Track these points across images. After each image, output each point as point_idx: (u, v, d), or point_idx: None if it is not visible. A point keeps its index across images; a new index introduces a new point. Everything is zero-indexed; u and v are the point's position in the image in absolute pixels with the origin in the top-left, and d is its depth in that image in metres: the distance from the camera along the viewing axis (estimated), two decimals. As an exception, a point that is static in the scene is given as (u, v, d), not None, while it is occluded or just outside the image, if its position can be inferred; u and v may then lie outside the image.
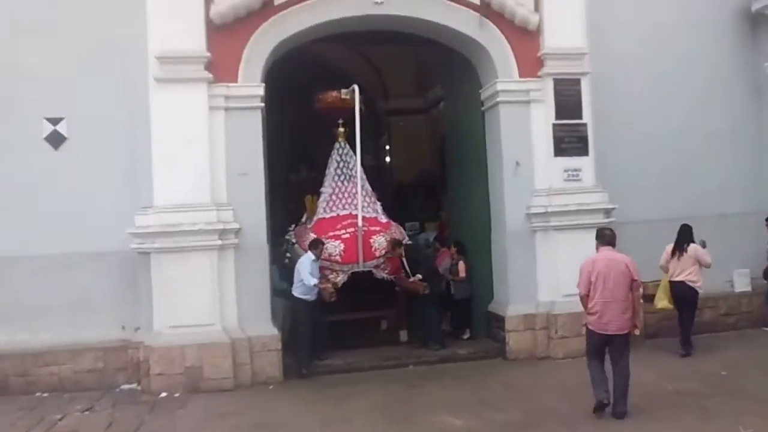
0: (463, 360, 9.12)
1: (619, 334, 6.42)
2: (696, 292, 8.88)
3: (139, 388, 8.22)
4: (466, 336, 10.02)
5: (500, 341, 9.20)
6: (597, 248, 6.68)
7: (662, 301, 9.08)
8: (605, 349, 6.54)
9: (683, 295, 8.88)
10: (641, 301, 9.46)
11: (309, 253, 8.85)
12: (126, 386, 8.33)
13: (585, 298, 6.50)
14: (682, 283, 8.85)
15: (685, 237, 8.94)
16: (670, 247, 8.99)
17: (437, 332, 9.57)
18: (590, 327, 6.52)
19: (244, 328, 8.34)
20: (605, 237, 6.67)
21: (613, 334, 6.40)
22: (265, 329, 8.45)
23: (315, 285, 8.63)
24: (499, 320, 9.21)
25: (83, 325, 8.42)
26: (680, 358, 8.74)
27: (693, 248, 8.88)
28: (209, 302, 8.20)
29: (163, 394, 7.95)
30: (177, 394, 7.95)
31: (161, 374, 8.02)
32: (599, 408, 6.48)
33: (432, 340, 9.47)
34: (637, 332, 6.75)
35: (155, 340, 8.11)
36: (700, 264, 8.84)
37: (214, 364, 8.09)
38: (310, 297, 8.75)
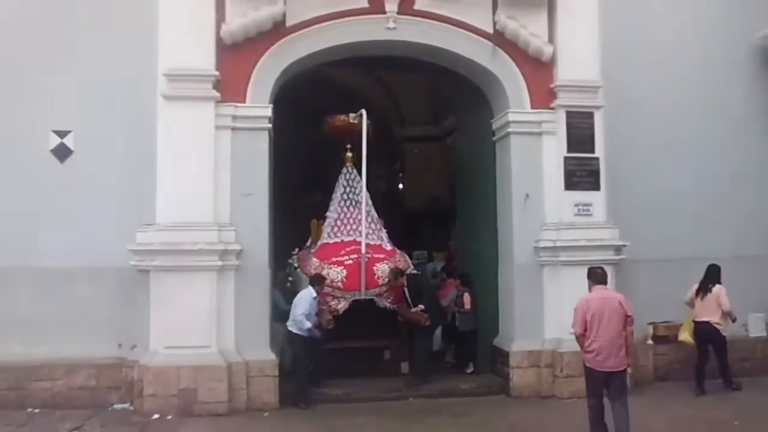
0: (465, 395, 8.88)
1: (617, 371, 6.47)
2: (721, 335, 8.74)
3: (131, 408, 8.06)
4: (469, 370, 9.78)
5: (504, 377, 8.95)
6: (589, 288, 6.72)
7: (684, 334, 9.08)
8: (603, 389, 6.55)
9: (708, 336, 8.76)
10: (651, 342, 9.45)
11: (310, 288, 8.66)
12: (119, 406, 8.18)
13: (581, 337, 6.56)
14: (707, 323, 8.72)
15: (710, 277, 8.83)
16: (695, 286, 8.89)
17: (423, 365, 9.27)
18: (588, 365, 6.56)
19: (242, 352, 8.18)
20: (597, 276, 6.74)
21: (611, 371, 6.44)
22: (263, 354, 8.27)
23: (308, 329, 8.48)
24: (504, 355, 8.97)
25: (80, 340, 8.31)
26: (732, 391, 8.76)
27: (717, 290, 8.74)
28: (207, 324, 8.06)
29: (156, 416, 7.79)
30: (169, 417, 7.79)
31: (154, 395, 7.87)
32: None
33: (416, 372, 9.20)
34: (629, 370, 6.78)
35: (150, 360, 7.97)
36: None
37: (209, 387, 7.92)
38: (304, 333, 8.55)
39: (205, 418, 7.76)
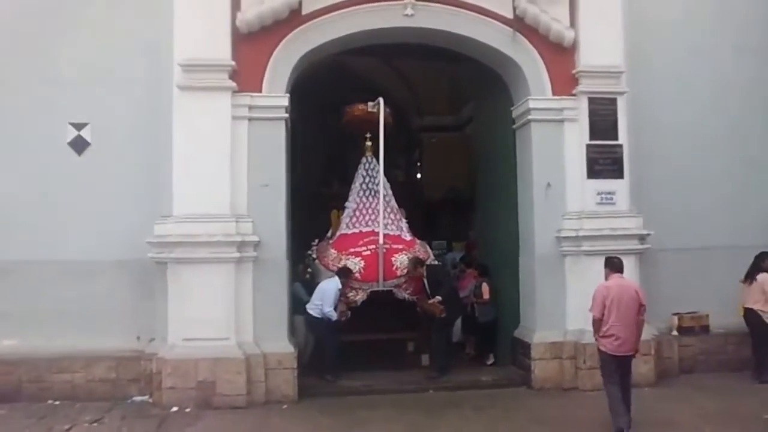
0: (486, 387, 8.77)
1: (628, 355, 6.83)
2: (764, 322, 8.83)
3: (150, 400, 8.05)
4: (489, 361, 9.68)
5: (525, 369, 8.82)
6: (607, 275, 7.01)
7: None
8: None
9: (751, 323, 8.95)
10: (676, 333, 9.28)
11: (336, 279, 8.73)
12: (138, 398, 8.17)
13: (598, 322, 6.80)
14: (752, 311, 8.89)
15: (757, 265, 8.98)
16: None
17: (441, 358, 9.14)
18: (604, 349, 6.82)
19: (260, 344, 8.13)
20: (615, 264, 7.03)
21: (624, 356, 6.78)
22: (282, 346, 8.22)
23: (334, 319, 8.70)
24: (525, 347, 8.83)
25: (99, 333, 8.31)
26: (759, 384, 8.68)
27: (762, 278, 8.88)
28: (225, 316, 8.01)
29: (174, 409, 7.77)
30: (188, 409, 7.77)
31: (173, 388, 7.84)
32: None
33: (434, 365, 9.10)
34: (637, 355, 7.12)
35: (169, 353, 7.94)
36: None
37: (227, 380, 7.89)
38: (324, 318, 8.72)
39: (223, 410, 7.72)
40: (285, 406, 7.99)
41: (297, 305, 8.96)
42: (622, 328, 6.68)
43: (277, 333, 8.25)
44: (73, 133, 8.59)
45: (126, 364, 8.27)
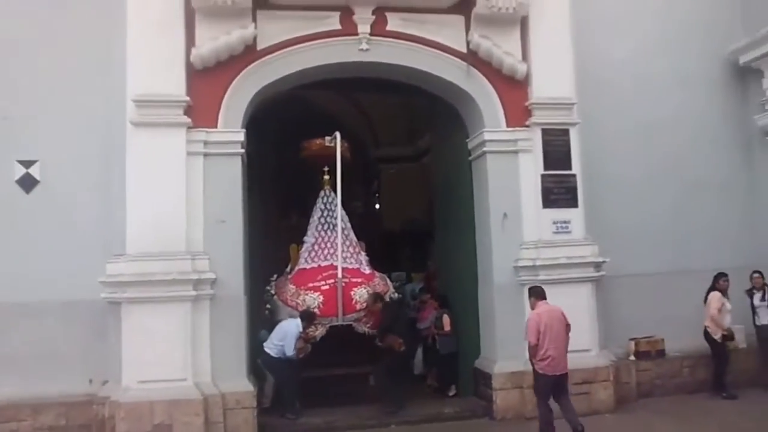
0: (448, 419, 8.71)
1: (564, 373, 7.38)
2: (713, 339, 9.27)
3: (103, 447, 7.75)
4: (451, 393, 9.63)
5: (487, 399, 8.79)
6: (533, 304, 7.56)
7: None
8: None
9: (707, 341, 9.38)
10: (633, 357, 9.45)
11: (297, 321, 8.65)
12: (89, 445, 7.86)
13: (534, 348, 7.30)
14: (706, 329, 9.32)
15: (711, 285, 9.42)
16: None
17: (390, 390, 8.94)
18: (542, 372, 7.31)
19: (218, 384, 7.92)
20: (539, 293, 7.62)
21: (560, 374, 7.33)
22: (241, 385, 8.03)
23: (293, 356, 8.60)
24: (486, 378, 8.82)
25: (48, 377, 8.01)
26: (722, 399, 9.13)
27: (711, 296, 9.36)
28: (181, 356, 7.80)
29: (129, 455, 7.49)
30: (143, 455, 7.49)
31: (127, 433, 7.56)
32: None
33: (386, 399, 8.90)
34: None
35: (123, 396, 7.66)
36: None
37: (185, 422, 7.63)
38: (283, 357, 8.60)
39: (181, 454, 7.48)
40: (244, 447, 7.79)
41: (259, 350, 8.81)
42: (556, 350, 7.24)
43: (236, 372, 8.06)
44: (21, 170, 8.35)
45: (77, 410, 7.94)
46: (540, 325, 7.27)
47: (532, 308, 7.54)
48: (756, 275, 9.65)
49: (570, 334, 7.42)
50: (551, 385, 7.33)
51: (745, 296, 9.64)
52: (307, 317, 8.65)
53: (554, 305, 7.52)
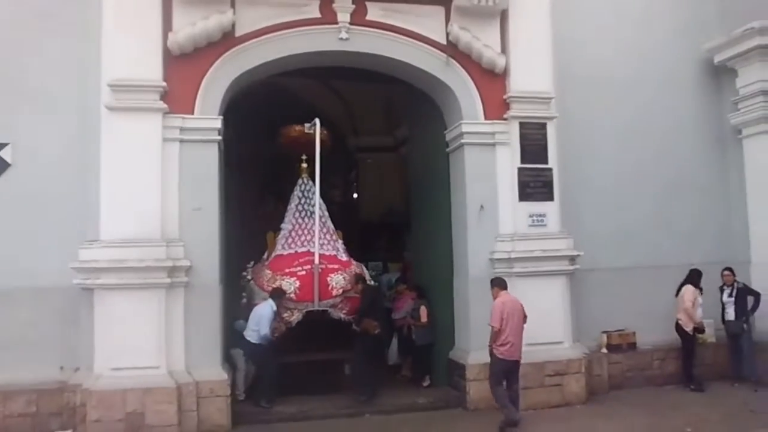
0: (422, 410, 8.77)
1: (518, 360, 7.90)
2: (684, 331, 9.46)
3: (74, 435, 7.67)
4: (426, 383, 9.67)
5: (461, 390, 8.87)
6: (496, 294, 7.98)
7: None
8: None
9: (678, 334, 9.56)
10: (605, 350, 9.59)
11: (270, 301, 8.61)
12: (59, 433, 7.77)
13: (497, 333, 7.76)
14: (677, 322, 9.52)
15: (685, 279, 9.60)
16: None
17: (364, 378, 8.99)
18: (501, 356, 7.79)
19: (192, 372, 7.89)
20: (502, 283, 8.09)
21: (516, 360, 7.86)
22: (215, 373, 8.00)
23: (268, 336, 8.57)
24: (460, 368, 8.89)
25: (18, 364, 7.88)
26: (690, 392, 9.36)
27: (682, 290, 9.52)
28: (155, 344, 7.75)
29: (99, 444, 7.42)
30: (114, 444, 7.43)
31: (99, 420, 7.49)
32: (514, 425, 7.74)
33: (360, 388, 8.94)
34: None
35: (95, 383, 7.60)
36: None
37: (157, 411, 7.60)
38: (264, 342, 8.58)
39: (153, 443, 7.43)
40: (218, 436, 7.77)
41: (237, 339, 8.78)
42: (514, 337, 7.78)
43: (210, 360, 8.03)
44: (-9, 153, 8.20)
45: (47, 397, 7.84)
46: (504, 312, 7.74)
47: (494, 297, 7.94)
48: (726, 272, 9.84)
49: (526, 326, 7.91)
50: (506, 370, 7.85)
51: (717, 292, 9.83)
52: (277, 294, 8.65)
53: (514, 296, 7.98)
